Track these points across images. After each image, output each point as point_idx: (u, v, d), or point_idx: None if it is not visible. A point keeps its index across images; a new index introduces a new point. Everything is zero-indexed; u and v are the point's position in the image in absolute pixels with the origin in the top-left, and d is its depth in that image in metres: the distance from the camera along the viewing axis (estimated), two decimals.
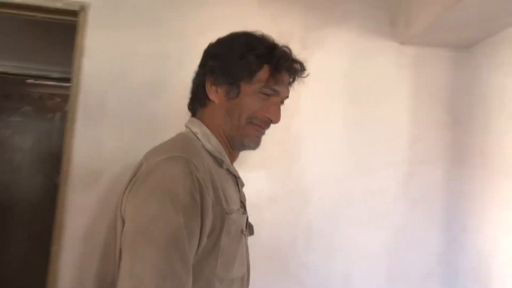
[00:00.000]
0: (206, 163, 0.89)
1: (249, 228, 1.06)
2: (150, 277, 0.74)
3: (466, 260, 1.62)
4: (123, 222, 0.83)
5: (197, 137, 0.97)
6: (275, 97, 0.98)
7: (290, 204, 1.51)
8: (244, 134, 0.97)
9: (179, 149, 0.87)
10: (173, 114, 1.39)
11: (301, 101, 1.52)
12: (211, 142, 0.97)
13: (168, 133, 1.00)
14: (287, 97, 1.02)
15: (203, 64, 1.00)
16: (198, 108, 1.01)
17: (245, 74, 0.94)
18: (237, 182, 1.04)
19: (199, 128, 0.97)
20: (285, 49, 0.98)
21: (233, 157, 1.03)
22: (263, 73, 0.95)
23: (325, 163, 1.53)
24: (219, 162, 0.97)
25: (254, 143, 1.00)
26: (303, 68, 1.01)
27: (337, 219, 1.53)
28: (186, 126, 1.00)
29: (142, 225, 0.78)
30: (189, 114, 1.03)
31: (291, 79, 1.01)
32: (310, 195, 1.52)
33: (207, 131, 0.97)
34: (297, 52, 0.97)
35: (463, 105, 1.62)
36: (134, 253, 0.77)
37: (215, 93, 0.97)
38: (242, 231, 0.95)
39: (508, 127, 1.65)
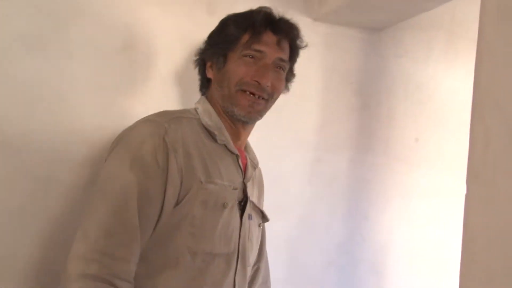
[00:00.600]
0: (185, 131, 0.91)
1: (256, 213, 1.08)
2: (95, 231, 0.77)
3: (364, 250, 1.58)
4: None
5: (196, 112, 1.00)
6: (263, 60, 0.98)
7: None
8: (235, 103, 0.98)
9: (159, 115, 0.90)
10: None
11: None
12: (212, 118, 0.98)
13: None
14: (280, 59, 1.02)
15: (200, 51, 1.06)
16: (205, 90, 1.06)
17: (228, 44, 0.98)
18: (238, 161, 1.02)
19: (201, 105, 1.01)
20: (264, 9, 1.01)
21: (238, 133, 1.04)
22: (245, 38, 0.98)
23: None
24: (213, 136, 0.98)
25: (245, 112, 0.99)
26: (289, 26, 1.03)
27: None
28: (195, 103, 1.04)
29: (100, 182, 0.84)
30: None
31: (279, 38, 1.01)
32: None
33: (210, 108, 1.00)
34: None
35: (372, 89, 1.56)
36: (88, 207, 0.81)
37: (210, 70, 1.02)
38: (223, 205, 0.93)
39: (412, 115, 1.63)
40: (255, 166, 1.11)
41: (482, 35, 0.76)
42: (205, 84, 1.05)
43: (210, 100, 1.02)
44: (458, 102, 1.63)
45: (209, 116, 0.99)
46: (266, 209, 1.16)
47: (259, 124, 1.10)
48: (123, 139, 0.87)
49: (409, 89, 1.61)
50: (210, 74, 1.03)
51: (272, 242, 1.31)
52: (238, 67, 0.97)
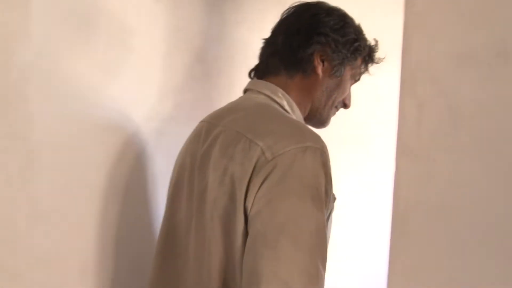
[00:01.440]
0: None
1: None
2: (298, 281, 0.72)
3: None
4: (246, 216, 0.76)
5: (285, 110, 0.94)
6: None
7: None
8: (326, 116, 1.01)
9: (305, 135, 0.82)
10: None
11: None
12: (296, 115, 0.95)
13: None
14: None
15: (315, 32, 0.95)
16: (289, 70, 0.96)
17: (353, 58, 0.99)
18: None
19: (286, 101, 0.94)
20: (375, 43, 1.06)
21: None
22: (359, 60, 1.02)
23: None
24: None
25: (323, 126, 1.04)
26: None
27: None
28: (260, 92, 0.96)
29: (283, 224, 0.74)
30: None
31: None
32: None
33: (293, 103, 0.95)
34: None
35: (213, 56, 1.45)
36: (278, 255, 0.72)
37: (320, 65, 0.97)
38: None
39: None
40: None
41: (411, 6, 0.74)
42: (303, 70, 0.97)
43: (294, 91, 0.96)
44: None
45: (294, 114, 0.97)
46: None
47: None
48: (286, 172, 0.76)
49: (249, 57, 1.55)
50: (320, 69, 0.97)
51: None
52: (348, 87, 1.01)
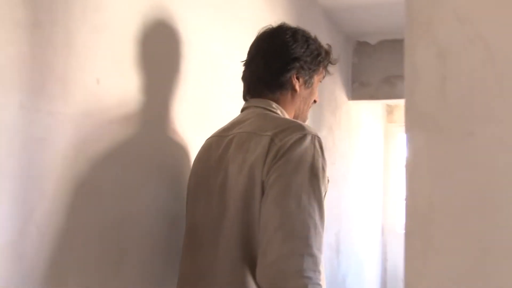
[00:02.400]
0: None
1: None
2: (310, 232, 0.92)
3: None
4: (262, 187, 0.96)
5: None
6: None
7: None
8: (305, 116, 1.23)
9: (303, 126, 1.01)
10: None
11: None
12: None
13: None
14: None
15: (289, 59, 1.14)
16: (274, 92, 1.15)
17: (318, 68, 1.20)
18: None
19: (280, 110, 1.14)
20: (328, 47, 1.25)
21: None
22: (322, 67, 1.23)
23: None
24: None
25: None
26: None
27: None
28: (257, 106, 1.14)
29: (291, 189, 0.94)
30: None
31: None
32: None
33: (285, 113, 1.15)
34: None
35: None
36: (284, 210, 0.93)
37: (297, 83, 1.16)
38: None
39: (92, 46, 1.17)
40: None
41: None
42: (282, 89, 1.15)
43: (282, 104, 1.15)
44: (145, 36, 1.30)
45: None
46: None
47: None
48: (296, 153, 0.96)
49: (88, 10, 1.14)
50: (297, 86, 1.16)
51: None
52: (316, 90, 1.22)
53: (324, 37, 2.06)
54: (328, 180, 1.04)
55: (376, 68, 3.54)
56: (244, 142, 1.04)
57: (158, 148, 1.32)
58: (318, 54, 1.20)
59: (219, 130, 1.20)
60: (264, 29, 1.21)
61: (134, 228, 1.23)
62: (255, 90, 1.19)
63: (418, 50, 0.50)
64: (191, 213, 1.18)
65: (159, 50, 1.37)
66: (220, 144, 1.12)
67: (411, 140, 0.50)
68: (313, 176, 0.96)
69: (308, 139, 0.99)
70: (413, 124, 0.50)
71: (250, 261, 0.99)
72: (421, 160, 0.49)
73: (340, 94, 3.43)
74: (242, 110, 1.22)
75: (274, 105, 1.15)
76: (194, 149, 1.34)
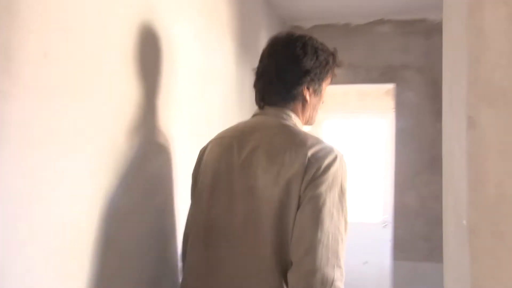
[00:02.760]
0: None
1: None
2: (340, 247, 1.05)
3: None
4: (299, 201, 1.07)
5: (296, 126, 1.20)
6: None
7: None
8: (313, 120, 1.31)
9: (331, 146, 1.10)
10: None
11: None
12: (300, 128, 1.22)
13: None
14: None
15: (301, 71, 1.20)
16: (287, 101, 1.21)
17: (326, 75, 1.23)
18: None
19: (297, 120, 1.22)
20: (334, 50, 1.26)
21: None
22: (330, 72, 1.24)
23: None
24: None
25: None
26: None
27: None
28: (275, 115, 1.21)
29: (325, 206, 1.06)
30: None
31: None
32: None
33: (300, 122, 1.24)
34: None
35: None
36: (322, 226, 1.04)
37: (307, 93, 1.21)
38: None
39: (38, 14, 0.97)
40: None
41: None
42: (295, 98, 1.21)
43: (296, 113, 1.21)
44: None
45: None
46: None
47: None
48: (330, 172, 1.07)
49: None
50: (308, 96, 1.20)
51: None
52: (324, 95, 1.26)
53: (263, 22, 1.97)
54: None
55: None
56: (277, 155, 1.14)
57: (117, 128, 1.15)
58: (327, 63, 1.26)
59: (236, 130, 1.26)
60: (276, 37, 1.29)
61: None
62: (270, 99, 1.25)
63: (485, 11, 0.41)
64: (204, 209, 1.22)
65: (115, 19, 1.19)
66: (243, 146, 1.21)
67: (475, 119, 0.42)
68: (342, 195, 1.11)
69: (338, 161, 1.12)
70: (479, 99, 0.42)
71: (281, 265, 1.13)
72: (489, 142, 0.42)
73: None
74: (256, 115, 1.28)
75: (291, 114, 1.23)
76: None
